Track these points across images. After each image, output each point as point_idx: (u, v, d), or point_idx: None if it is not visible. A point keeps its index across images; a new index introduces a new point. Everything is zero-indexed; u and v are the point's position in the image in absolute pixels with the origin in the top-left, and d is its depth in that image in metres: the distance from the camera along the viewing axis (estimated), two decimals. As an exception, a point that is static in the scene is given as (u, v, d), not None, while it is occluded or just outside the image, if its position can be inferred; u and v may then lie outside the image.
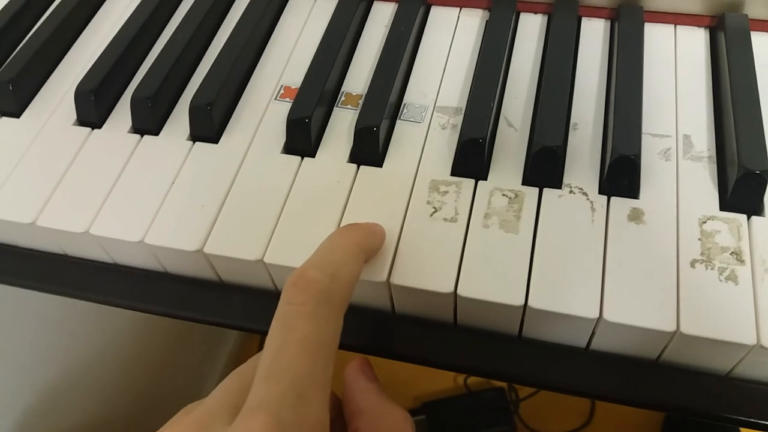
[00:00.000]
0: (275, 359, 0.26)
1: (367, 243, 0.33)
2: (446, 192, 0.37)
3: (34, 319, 0.73)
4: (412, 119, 0.41)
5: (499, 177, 0.38)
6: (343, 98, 0.43)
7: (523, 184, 0.37)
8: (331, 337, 0.27)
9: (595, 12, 0.44)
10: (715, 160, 0.38)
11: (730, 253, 0.34)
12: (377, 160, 0.39)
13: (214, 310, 0.39)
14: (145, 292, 0.40)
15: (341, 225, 0.36)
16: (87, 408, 0.88)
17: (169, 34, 0.46)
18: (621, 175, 0.36)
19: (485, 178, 0.38)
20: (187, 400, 0.29)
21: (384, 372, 0.37)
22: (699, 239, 0.35)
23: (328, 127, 0.41)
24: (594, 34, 0.44)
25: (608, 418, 1.17)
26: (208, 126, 0.41)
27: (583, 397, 0.35)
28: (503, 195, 0.37)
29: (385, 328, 0.37)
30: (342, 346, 0.38)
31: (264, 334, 0.42)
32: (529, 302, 0.33)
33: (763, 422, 0.33)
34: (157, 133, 0.42)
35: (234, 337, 1.30)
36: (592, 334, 0.34)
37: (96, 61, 0.44)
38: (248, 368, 0.28)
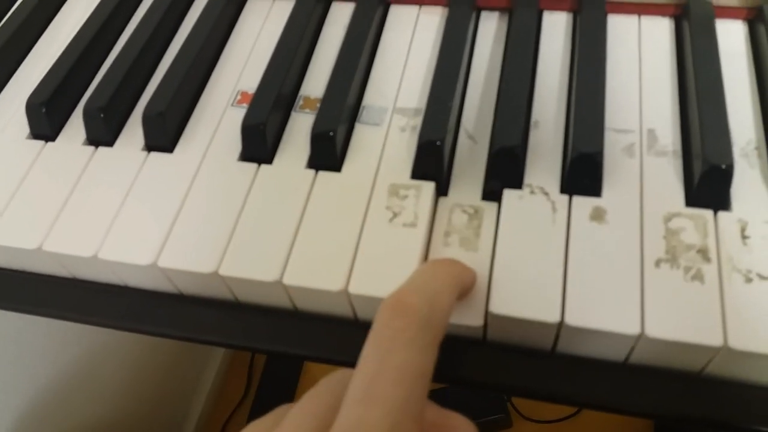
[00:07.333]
0: (371, 384, 0.24)
1: (463, 278, 0.31)
2: (406, 196, 0.36)
3: (33, 319, 0.73)
4: (371, 122, 0.40)
5: (459, 188, 0.36)
6: (301, 102, 0.42)
7: (484, 185, 0.36)
8: (429, 368, 0.26)
9: (556, 5, 0.43)
10: (680, 154, 0.37)
11: (696, 251, 0.33)
12: (335, 165, 0.38)
13: (174, 323, 0.38)
14: (104, 307, 0.39)
15: (430, 260, 0.34)
16: (87, 409, 0.88)
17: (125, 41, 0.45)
18: (582, 174, 0.35)
19: (445, 181, 0.37)
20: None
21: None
22: (664, 237, 0.33)
23: (285, 133, 0.40)
24: (556, 28, 0.43)
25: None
26: (162, 135, 0.40)
27: (550, 402, 0.35)
28: (463, 211, 0.36)
29: (348, 337, 0.36)
30: (304, 356, 0.38)
31: (227, 346, 0.41)
32: (490, 308, 0.32)
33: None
34: (111, 144, 0.41)
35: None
36: (556, 338, 0.33)
37: (48, 71, 0.43)
38: (327, 392, 0.26)
